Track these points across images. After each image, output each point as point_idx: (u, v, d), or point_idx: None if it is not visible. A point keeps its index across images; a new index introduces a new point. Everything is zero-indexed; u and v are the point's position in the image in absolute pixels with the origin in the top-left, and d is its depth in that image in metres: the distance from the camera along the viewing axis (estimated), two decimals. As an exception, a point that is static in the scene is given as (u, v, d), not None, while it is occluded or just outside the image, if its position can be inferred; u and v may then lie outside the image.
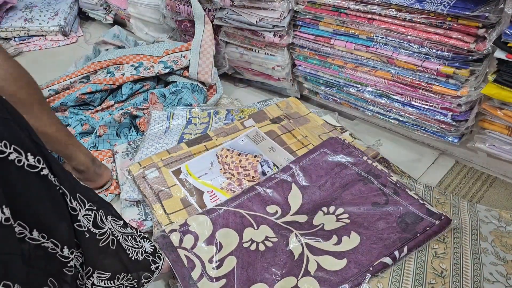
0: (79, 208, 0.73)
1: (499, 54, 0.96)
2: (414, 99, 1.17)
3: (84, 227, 0.74)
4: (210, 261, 0.90)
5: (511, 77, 0.96)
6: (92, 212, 0.75)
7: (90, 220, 0.74)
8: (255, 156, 1.17)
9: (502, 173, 1.16)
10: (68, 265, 0.71)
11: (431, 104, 1.14)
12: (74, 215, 0.72)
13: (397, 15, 1.07)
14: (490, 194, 1.12)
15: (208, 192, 1.08)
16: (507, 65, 0.96)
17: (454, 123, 1.12)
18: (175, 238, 0.94)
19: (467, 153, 1.21)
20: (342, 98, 1.38)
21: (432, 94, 1.12)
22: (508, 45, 0.93)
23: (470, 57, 1.01)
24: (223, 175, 1.13)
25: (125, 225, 0.83)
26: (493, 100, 1.03)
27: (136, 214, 1.10)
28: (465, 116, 1.10)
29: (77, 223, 0.73)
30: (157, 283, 0.95)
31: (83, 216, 0.73)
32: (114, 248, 0.78)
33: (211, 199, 1.06)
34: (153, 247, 0.87)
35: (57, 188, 0.68)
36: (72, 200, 0.72)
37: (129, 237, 0.82)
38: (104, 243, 0.77)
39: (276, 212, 0.99)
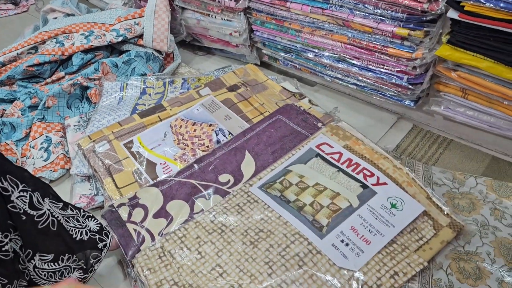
0: (12, 189, 0.69)
1: (452, 14, 0.93)
2: (370, 63, 1.15)
3: (20, 209, 0.70)
4: (160, 234, 0.88)
5: (464, 38, 0.95)
6: (27, 193, 0.71)
7: (25, 202, 0.71)
8: (210, 125, 1.13)
9: (458, 135, 1.16)
10: (3, 249, 0.68)
11: (387, 68, 1.12)
12: (6, 196, 0.68)
13: (351, -25, 1.03)
14: (446, 156, 1.12)
15: (161, 164, 1.05)
16: (460, 26, 0.94)
17: (410, 86, 1.10)
18: (123, 212, 0.91)
19: (425, 117, 1.21)
20: (301, 64, 1.35)
21: (388, 57, 1.09)
22: (461, 4, 0.91)
23: (424, 18, 0.98)
24: (177, 145, 1.09)
25: (65, 206, 0.79)
26: (447, 62, 1.02)
27: (87, 189, 1.06)
28: (420, 79, 1.08)
29: (11, 205, 0.69)
30: (109, 260, 0.92)
31: (17, 197, 0.70)
32: (55, 229, 0.75)
33: (163, 171, 1.03)
34: (99, 225, 0.84)
35: None
36: (3, 181, 0.68)
37: (71, 218, 0.79)
38: (44, 225, 0.73)
39: (229, 181, 0.97)
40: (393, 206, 0.87)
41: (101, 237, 0.83)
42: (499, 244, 0.85)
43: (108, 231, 0.85)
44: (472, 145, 1.14)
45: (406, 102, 1.16)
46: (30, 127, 1.24)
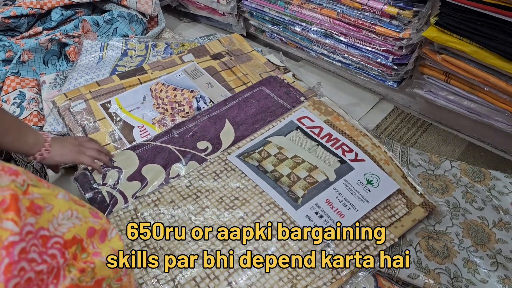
0: None
1: (442, -6, 0.93)
2: (357, 40, 1.14)
3: None
4: (134, 197, 0.86)
5: (452, 20, 0.95)
6: None
7: None
8: (191, 91, 1.11)
9: (437, 119, 1.17)
10: None
11: (373, 46, 1.11)
12: None
13: None
14: (424, 139, 1.13)
15: (138, 127, 1.03)
16: (449, 8, 0.94)
17: (394, 66, 1.10)
18: (97, 174, 0.89)
19: (406, 99, 1.21)
20: (287, 37, 1.33)
21: (375, 36, 1.09)
22: (452, -15, 0.90)
23: (415, -3, 0.98)
24: (156, 110, 1.07)
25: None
26: (434, 44, 1.02)
27: (61, 148, 1.03)
28: (405, 60, 1.08)
29: None
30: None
31: None
32: None
33: (141, 134, 1.01)
34: None
35: None
36: None
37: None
38: None
39: (207, 148, 0.96)
40: (369, 182, 0.87)
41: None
42: (468, 226, 0.87)
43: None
44: (450, 130, 1.15)
45: (389, 83, 1.16)
46: (3, 81, 1.19)
